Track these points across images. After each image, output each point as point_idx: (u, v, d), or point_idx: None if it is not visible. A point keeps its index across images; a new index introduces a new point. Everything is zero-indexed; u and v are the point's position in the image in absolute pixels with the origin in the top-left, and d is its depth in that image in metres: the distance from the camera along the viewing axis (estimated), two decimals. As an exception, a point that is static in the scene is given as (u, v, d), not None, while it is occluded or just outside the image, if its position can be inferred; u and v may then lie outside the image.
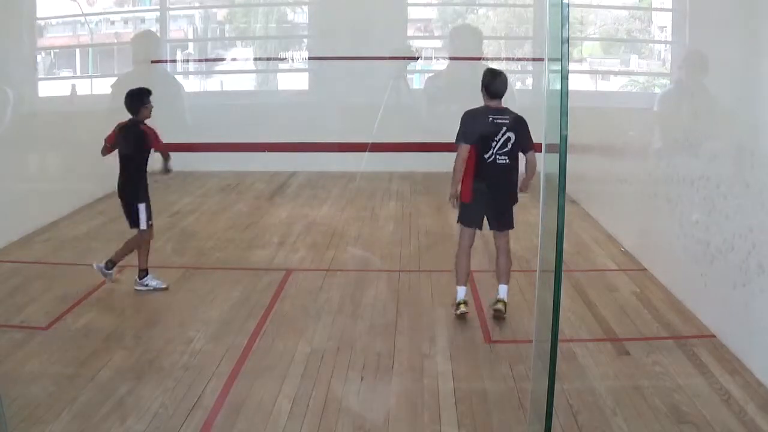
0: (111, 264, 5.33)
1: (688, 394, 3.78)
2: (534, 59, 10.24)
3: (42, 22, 8.56)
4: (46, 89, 8.32)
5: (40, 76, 8.09)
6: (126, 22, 10.66)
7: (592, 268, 5.96)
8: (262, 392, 3.84)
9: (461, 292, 4.86)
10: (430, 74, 10.56)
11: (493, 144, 4.61)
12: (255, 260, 6.19)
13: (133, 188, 5.31)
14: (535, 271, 2.86)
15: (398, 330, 4.68)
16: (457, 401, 3.76)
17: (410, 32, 10.74)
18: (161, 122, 10.31)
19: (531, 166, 4.70)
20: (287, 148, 10.04)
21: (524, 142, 4.63)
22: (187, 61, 11.00)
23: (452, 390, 3.87)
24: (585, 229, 7.01)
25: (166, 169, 5.52)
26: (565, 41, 2.41)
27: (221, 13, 11.08)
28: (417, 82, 10.62)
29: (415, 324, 4.79)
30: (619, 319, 4.84)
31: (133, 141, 5.21)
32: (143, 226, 5.30)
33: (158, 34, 10.42)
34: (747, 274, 4.11)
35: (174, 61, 10.72)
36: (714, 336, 4.49)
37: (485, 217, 4.83)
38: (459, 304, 4.82)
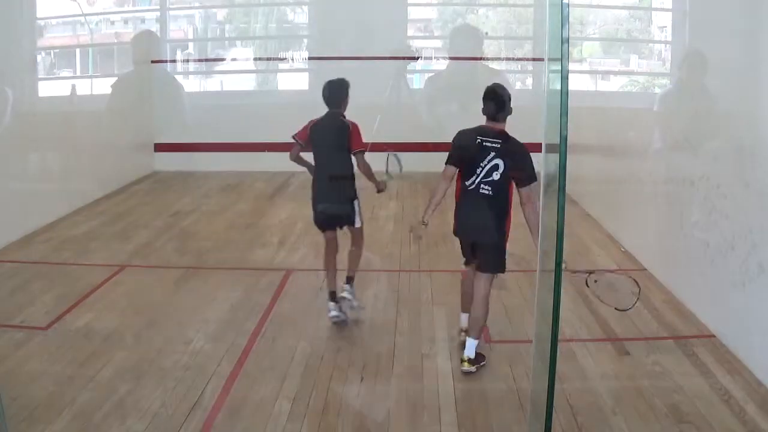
0: (350, 279, 5.00)
1: (688, 394, 3.78)
2: (534, 59, 10.23)
3: (42, 22, 8.56)
4: (46, 89, 8.32)
5: (40, 76, 8.09)
6: (126, 22, 10.66)
7: (592, 268, 5.94)
8: (262, 392, 3.84)
9: (470, 344, 4.16)
10: (431, 74, 10.56)
11: (478, 170, 4.07)
12: (255, 260, 6.19)
13: (348, 185, 4.82)
14: (535, 271, 2.86)
15: (398, 330, 4.68)
16: (457, 401, 3.76)
17: (410, 32, 10.74)
18: (162, 122, 10.39)
19: (528, 211, 4.04)
20: (287, 148, 10.01)
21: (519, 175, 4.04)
22: (187, 61, 11.00)
23: (452, 390, 3.87)
24: (585, 229, 7.00)
25: (381, 185, 4.97)
26: (565, 41, 2.40)
27: (221, 13, 11.08)
28: (417, 82, 10.61)
29: (415, 324, 4.79)
30: (619, 319, 4.84)
31: (343, 133, 4.79)
32: (358, 223, 4.90)
33: (158, 34, 10.42)
34: (747, 274, 4.11)
35: (174, 61, 10.72)
36: (714, 336, 4.49)
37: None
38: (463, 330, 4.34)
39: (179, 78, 10.87)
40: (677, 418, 3.56)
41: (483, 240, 4.20)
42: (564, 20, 2.39)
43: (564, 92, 2.43)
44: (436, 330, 4.68)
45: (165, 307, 5.11)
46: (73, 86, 8.80)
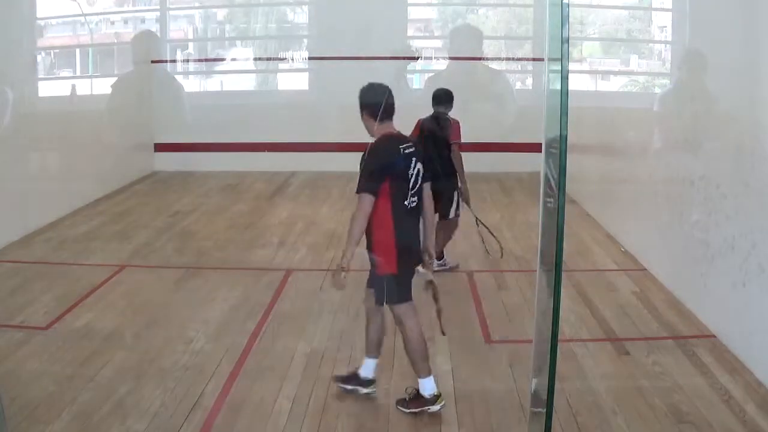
0: (441, 256, 5.62)
1: (688, 394, 3.78)
2: (534, 59, 10.23)
3: (42, 22, 8.56)
4: (46, 89, 8.32)
5: (40, 76, 8.09)
6: (126, 22, 10.66)
7: (592, 268, 5.96)
8: (262, 392, 3.84)
9: (429, 383, 3.65)
10: (431, 74, 10.56)
11: (409, 184, 3.58)
12: (255, 260, 6.19)
13: (449, 177, 5.46)
14: (535, 271, 2.86)
15: (398, 330, 4.67)
16: (457, 401, 3.76)
17: (410, 32, 10.74)
18: (162, 122, 10.40)
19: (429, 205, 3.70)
20: (287, 148, 10.04)
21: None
22: (187, 61, 11.00)
23: (452, 390, 3.87)
24: (585, 229, 7.00)
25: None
26: (565, 41, 2.40)
27: (221, 13, 11.08)
28: (417, 82, 10.61)
29: (415, 324, 4.77)
30: (619, 319, 4.84)
31: (448, 129, 5.50)
32: (452, 215, 5.55)
33: (158, 34, 10.43)
34: (747, 274, 4.11)
35: (174, 61, 10.73)
36: (714, 336, 4.49)
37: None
38: (435, 397, 3.63)
39: (179, 78, 10.88)
40: (677, 418, 3.56)
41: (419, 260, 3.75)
42: (564, 20, 2.39)
43: (564, 92, 2.43)
44: (436, 330, 4.66)
45: (165, 307, 5.11)
46: (73, 86, 8.81)
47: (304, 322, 4.78)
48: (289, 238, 6.85)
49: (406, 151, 3.60)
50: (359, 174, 3.55)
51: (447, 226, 5.60)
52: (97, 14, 10.07)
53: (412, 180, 3.58)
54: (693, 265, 4.88)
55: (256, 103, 10.43)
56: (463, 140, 5.52)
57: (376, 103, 3.59)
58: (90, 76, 9.48)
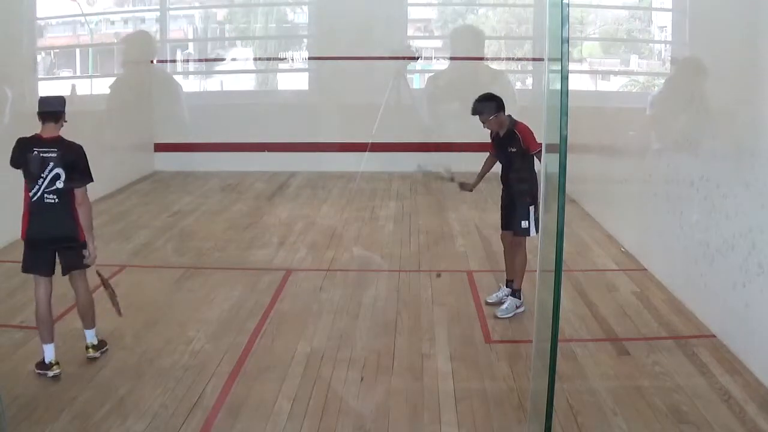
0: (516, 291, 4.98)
1: (688, 394, 3.78)
2: (534, 59, 10.24)
3: (42, 22, 8.57)
4: (46, 89, 8.32)
5: (40, 76, 8.09)
6: (126, 22, 10.67)
7: (592, 268, 5.96)
8: (262, 392, 3.84)
9: (49, 350, 4.08)
10: (431, 74, 10.56)
11: (41, 181, 4.25)
12: (255, 260, 6.19)
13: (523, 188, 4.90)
14: (535, 271, 2.86)
15: (398, 330, 4.68)
16: (457, 401, 3.76)
17: (410, 32, 10.75)
18: (162, 122, 10.39)
19: (83, 211, 4.45)
20: (287, 148, 10.04)
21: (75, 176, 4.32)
22: (187, 61, 11.01)
23: (452, 390, 3.87)
24: (585, 229, 7.01)
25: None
26: (565, 41, 2.41)
27: (221, 13, 11.09)
28: (417, 82, 10.62)
29: (415, 324, 4.78)
30: (619, 319, 4.84)
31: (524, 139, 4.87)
32: (533, 232, 4.85)
33: (157, 35, 10.42)
34: (747, 274, 4.11)
35: (174, 61, 10.73)
36: (714, 336, 4.49)
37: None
38: (51, 365, 4.02)
39: (179, 78, 10.89)
40: (677, 418, 3.56)
41: (64, 243, 4.45)
42: (564, 20, 2.40)
43: (564, 92, 2.43)
44: (436, 330, 4.68)
45: (165, 307, 5.11)
46: (73, 86, 8.82)
47: (304, 322, 4.78)
48: (289, 238, 6.85)
49: (42, 154, 4.24)
50: None
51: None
52: (97, 14, 10.08)
53: (47, 181, 4.25)
54: (693, 265, 4.88)
55: (256, 103, 10.44)
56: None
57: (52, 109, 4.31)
58: (90, 76, 9.49)
